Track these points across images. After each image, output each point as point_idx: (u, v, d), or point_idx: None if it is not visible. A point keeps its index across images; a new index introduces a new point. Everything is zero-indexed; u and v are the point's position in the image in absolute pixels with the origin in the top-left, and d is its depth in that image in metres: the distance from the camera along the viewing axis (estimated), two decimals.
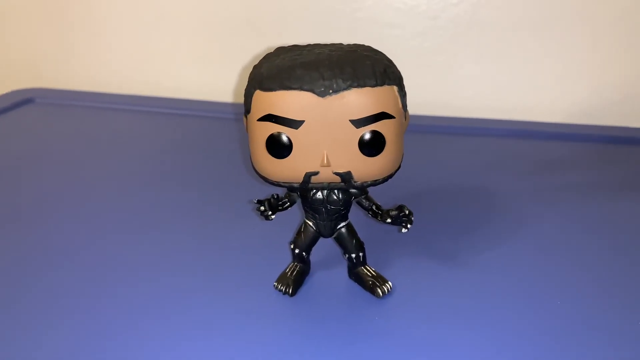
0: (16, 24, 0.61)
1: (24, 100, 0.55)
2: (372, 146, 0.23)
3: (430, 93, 0.53)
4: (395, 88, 0.23)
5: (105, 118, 0.52)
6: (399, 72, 0.24)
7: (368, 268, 0.28)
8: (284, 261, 0.29)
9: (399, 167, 0.25)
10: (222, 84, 0.58)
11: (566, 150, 0.45)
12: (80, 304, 0.27)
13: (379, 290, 0.27)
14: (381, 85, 0.23)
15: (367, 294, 0.27)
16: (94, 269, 0.29)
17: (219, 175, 0.40)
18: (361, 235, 0.28)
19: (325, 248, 0.30)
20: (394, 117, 0.23)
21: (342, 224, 0.27)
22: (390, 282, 0.28)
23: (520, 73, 0.52)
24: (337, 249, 0.30)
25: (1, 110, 0.52)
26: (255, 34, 0.55)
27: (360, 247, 0.28)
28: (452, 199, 0.37)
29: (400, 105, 0.23)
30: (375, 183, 0.24)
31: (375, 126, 0.23)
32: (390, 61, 0.24)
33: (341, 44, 0.25)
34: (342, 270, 0.29)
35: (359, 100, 0.22)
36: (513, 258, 0.30)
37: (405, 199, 0.36)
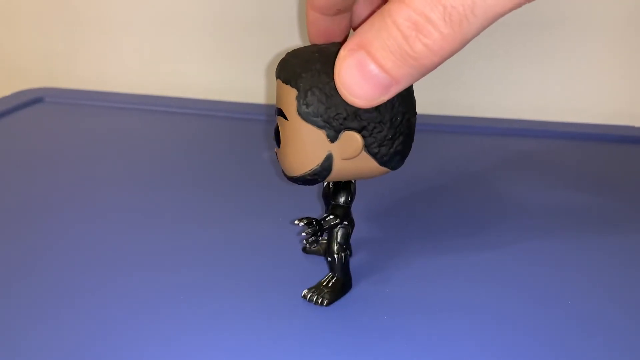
0: (26, 24, 0.61)
1: (33, 99, 0.55)
2: (275, 135, 0.25)
3: (440, 92, 0.52)
4: (294, 92, 0.23)
5: (115, 117, 0.52)
6: (310, 84, 0.23)
7: (331, 278, 0.27)
8: (295, 262, 0.29)
9: (310, 179, 0.24)
10: (234, 83, 0.58)
11: (577, 150, 0.44)
12: (91, 301, 0.27)
13: (308, 293, 0.26)
14: (286, 83, 0.23)
15: (378, 295, 0.27)
16: (104, 267, 0.29)
17: (230, 175, 0.40)
18: (366, 233, 0.27)
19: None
20: (286, 119, 0.24)
21: None
22: (324, 302, 0.26)
23: (531, 72, 0.51)
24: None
25: (11, 110, 0.53)
26: (266, 33, 0.55)
27: (338, 250, 0.27)
28: (460, 197, 0.37)
29: (296, 113, 0.23)
30: (290, 178, 0.25)
31: (278, 119, 0.25)
32: (322, 71, 0.23)
33: None
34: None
35: (277, 90, 0.25)
36: (522, 257, 0.30)
37: (413, 197, 0.36)
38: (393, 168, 0.25)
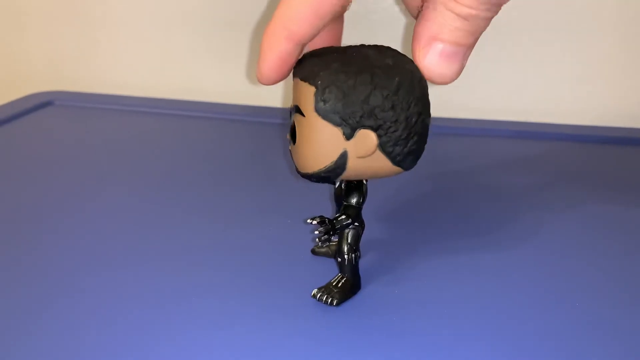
0: (36, 27, 0.62)
1: (43, 102, 0.56)
2: (291, 132, 0.26)
3: (445, 95, 0.53)
4: (312, 89, 0.24)
5: (125, 120, 0.52)
6: (328, 82, 0.23)
7: (341, 278, 0.27)
8: (304, 263, 0.30)
9: (324, 177, 0.25)
10: (243, 86, 0.58)
11: (581, 152, 0.44)
12: (99, 303, 0.27)
13: (318, 293, 0.27)
14: (304, 81, 0.24)
15: (387, 295, 0.27)
16: (116, 267, 0.30)
17: (240, 178, 0.40)
18: (375, 234, 0.28)
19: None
20: (303, 115, 0.24)
21: None
22: (334, 302, 0.26)
23: (536, 75, 0.51)
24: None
25: (21, 113, 0.53)
26: None
27: (348, 251, 0.27)
28: (467, 199, 0.37)
29: (314, 109, 0.24)
30: (304, 175, 0.25)
31: (295, 116, 0.25)
32: (341, 70, 0.23)
33: (382, 46, 0.25)
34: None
35: (294, 88, 0.25)
36: (528, 259, 0.30)
37: (420, 198, 0.37)
38: (406, 168, 0.25)
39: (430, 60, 0.24)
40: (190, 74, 0.59)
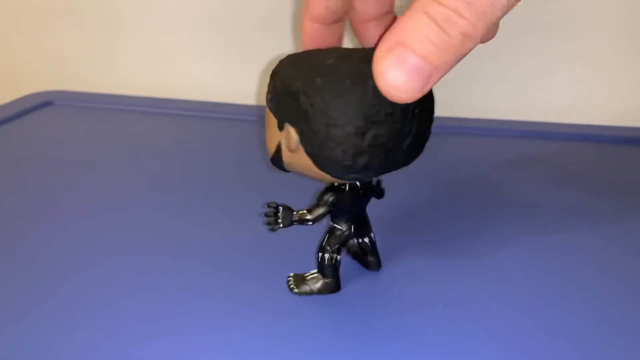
0: (36, 26, 0.62)
1: (43, 102, 0.56)
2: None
3: (447, 94, 0.53)
4: (270, 83, 0.24)
5: (125, 120, 0.53)
6: (275, 72, 0.24)
7: (314, 273, 0.28)
8: (301, 263, 0.30)
9: (275, 164, 0.25)
10: (243, 86, 0.58)
11: (584, 151, 0.44)
12: (98, 302, 0.27)
13: (291, 276, 0.28)
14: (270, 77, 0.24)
15: (387, 295, 0.27)
16: (114, 268, 0.30)
17: (239, 178, 0.40)
18: (375, 234, 0.28)
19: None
20: (267, 107, 0.25)
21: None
22: (294, 289, 0.28)
23: (537, 74, 0.51)
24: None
25: (21, 113, 0.53)
26: (275, 35, 0.55)
27: (319, 250, 0.28)
28: (467, 199, 0.37)
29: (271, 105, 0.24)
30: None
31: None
32: (290, 64, 0.24)
33: (362, 49, 0.25)
34: (357, 270, 0.29)
35: None
36: (530, 258, 0.30)
37: (419, 198, 0.37)
38: (337, 177, 0.23)
39: (386, 66, 0.20)
40: (190, 74, 0.60)
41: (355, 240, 0.28)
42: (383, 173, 0.24)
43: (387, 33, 0.20)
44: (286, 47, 0.55)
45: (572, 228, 0.33)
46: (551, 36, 0.50)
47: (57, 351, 0.24)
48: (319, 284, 0.27)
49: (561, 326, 0.25)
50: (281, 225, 0.26)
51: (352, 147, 0.22)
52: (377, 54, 0.20)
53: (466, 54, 0.20)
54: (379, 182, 0.28)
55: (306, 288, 0.27)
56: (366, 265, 0.29)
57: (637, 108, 0.51)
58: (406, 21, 0.20)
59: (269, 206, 0.25)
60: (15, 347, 0.24)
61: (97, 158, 0.44)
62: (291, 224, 0.26)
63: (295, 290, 0.27)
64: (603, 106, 0.51)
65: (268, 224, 0.26)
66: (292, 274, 0.28)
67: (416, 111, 0.23)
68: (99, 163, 0.43)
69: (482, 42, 0.24)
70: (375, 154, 0.22)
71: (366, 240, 0.28)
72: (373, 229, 0.29)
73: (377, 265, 0.29)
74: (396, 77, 0.20)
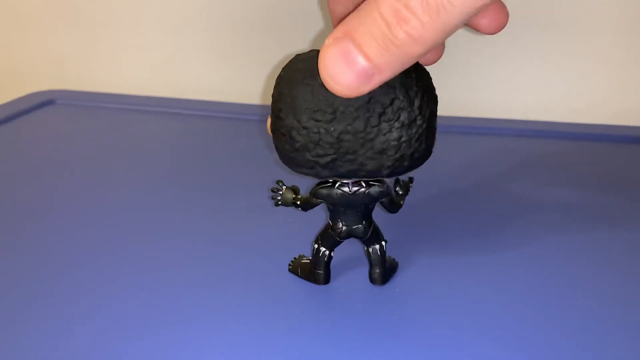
0: (36, 27, 0.62)
1: (44, 102, 0.56)
2: None
3: (446, 93, 0.53)
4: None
5: (127, 120, 0.53)
6: (278, 92, 0.24)
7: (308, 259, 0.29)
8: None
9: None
10: (244, 85, 0.58)
11: (584, 150, 0.44)
12: (100, 300, 0.27)
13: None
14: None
15: (388, 294, 0.27)
16: (115, 267, 0.30)
17: (242, 176, 0.40)
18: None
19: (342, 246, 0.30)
20: None
21: None
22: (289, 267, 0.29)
23: (537, 73, 0.51)
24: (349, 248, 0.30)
25: (22, 112, 0.53)
26: (277, 35, 0.55)
27: (314, 239, 0.28)
28: (468, 197, 0.37)
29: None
30: None
31: None
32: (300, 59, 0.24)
33: None
34: (355, 269, 0.29)
35: None
36: (532, 257, 0.30)
37: (421, 197, 0.37)
38: (290, 168, 0.24)
39: (328, 57, 0.19)
40: (191, 73, 0.60)
41: (364, 248, 0.28)
42: (343, 175, 0.23)
43: (343, 20, 0.20)
44: (286, 46, 0.55)
45: (572, 227, 0.33)
46: (551, 35, 0.50)
47: (57, 351, 0.24)
48: (306, 271, 0.29)
49: (561, 326, 0.25)
50: (280, 203, 0.27)
51: (298, 140, 0.22)
52: (326, 41, 0.20)
53: (414, 59, 0.18)
54: (389, 194, 0.26)
55: (296, 270, 0.29)
56: (370, 276, 0.28)
57: (636, 107, 0.51)
58: (359, 11, 0.19)
59: (276, 183, 0.27)
60: (14, 346, 0.24)
61: (98, 157, 0.44)
62: (291, 204, 0.27)
63: (290, 267, 0.29)
64: (602, 105, 0.51)
65: (272, 198, 0.27)
66: (300, 255, 0.30)
67: (382, 119, 0.22)
68: (99, 162, 0.43)
69: (428, 63, 0.23)
70: (322, 151, 0.22)
71: (370, 250, 0.28)
72: (385, 239, 0.28)
73: (380, 280, 0.28)
74: (336, 70, 0.19)
